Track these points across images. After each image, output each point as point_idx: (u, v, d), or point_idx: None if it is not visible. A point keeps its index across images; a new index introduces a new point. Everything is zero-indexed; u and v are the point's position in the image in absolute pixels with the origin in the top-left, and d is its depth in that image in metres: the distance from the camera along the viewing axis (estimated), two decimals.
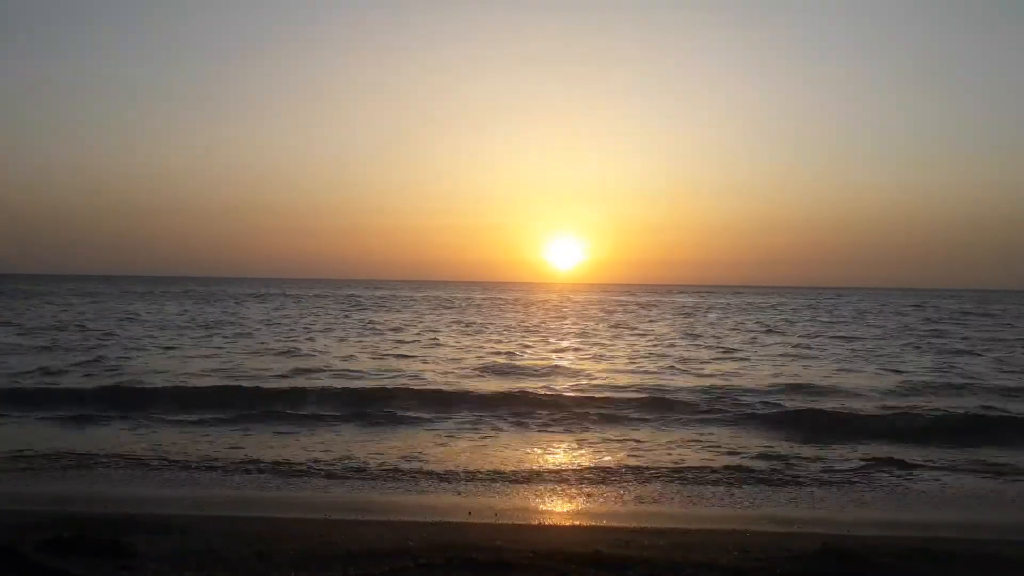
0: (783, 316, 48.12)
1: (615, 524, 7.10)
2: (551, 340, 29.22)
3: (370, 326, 35.00)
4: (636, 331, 34.40)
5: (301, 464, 9.92)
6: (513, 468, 9.90)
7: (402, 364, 20.60)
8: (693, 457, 10.76)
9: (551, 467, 10.15)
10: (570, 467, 10.14)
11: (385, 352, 23.51)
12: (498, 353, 23.86)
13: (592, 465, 10.21)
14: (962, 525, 7.50)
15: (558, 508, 8.19)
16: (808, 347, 26.85)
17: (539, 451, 11.16)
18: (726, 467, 10.07)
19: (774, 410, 14.29)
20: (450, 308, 54.85)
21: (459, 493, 8.61)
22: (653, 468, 9.97)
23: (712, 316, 47.87)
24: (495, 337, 30.07)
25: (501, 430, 12.56)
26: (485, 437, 11.97)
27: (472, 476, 9.41)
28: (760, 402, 15.10)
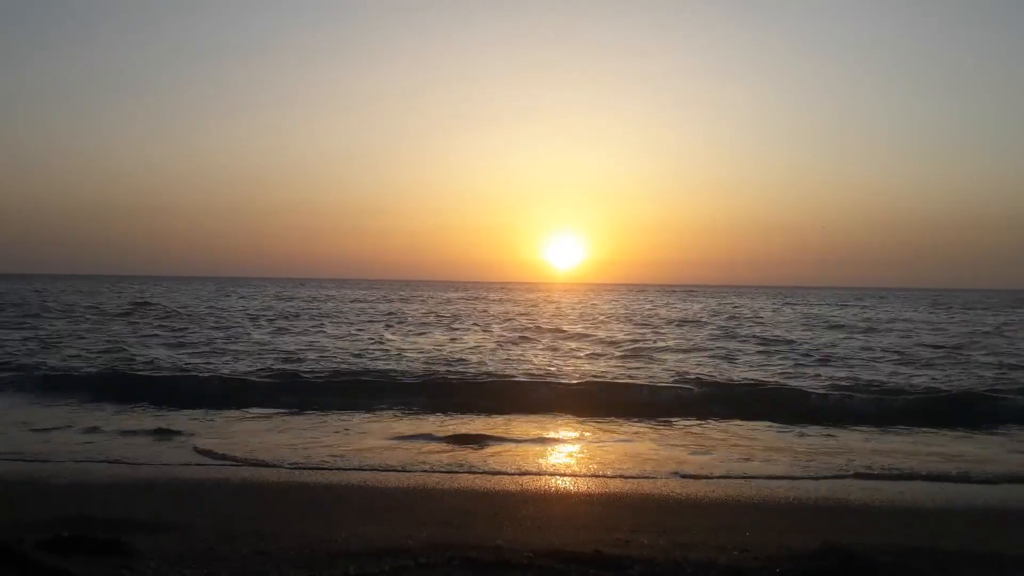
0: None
1: (615, 524, 7.09)
2: None
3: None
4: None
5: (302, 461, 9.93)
6: (515, 466, 9.91)
7: None
8: (693, 459, 10.77)
9: (553, 465, 10.15)
10: (572, 465, 10.14)
11: None
12: None
13: (593, 463, 10.22)
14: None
15: (558, 508, 8.19)
16: None
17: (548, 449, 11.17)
18: (727, 466, 10.08)
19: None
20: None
21: (461, 491, 8.62)
22: (654, 466, 9.98)
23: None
24: None
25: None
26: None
27: (474, 474, 9.42)
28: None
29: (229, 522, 6.67)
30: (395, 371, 18.68)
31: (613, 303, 66.42)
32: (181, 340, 25.86)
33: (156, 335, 27.62)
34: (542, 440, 11.88)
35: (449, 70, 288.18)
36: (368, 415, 13.78)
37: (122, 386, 16.01)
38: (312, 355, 22.03)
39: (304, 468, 9.65)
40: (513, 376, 18.01)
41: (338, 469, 9.62)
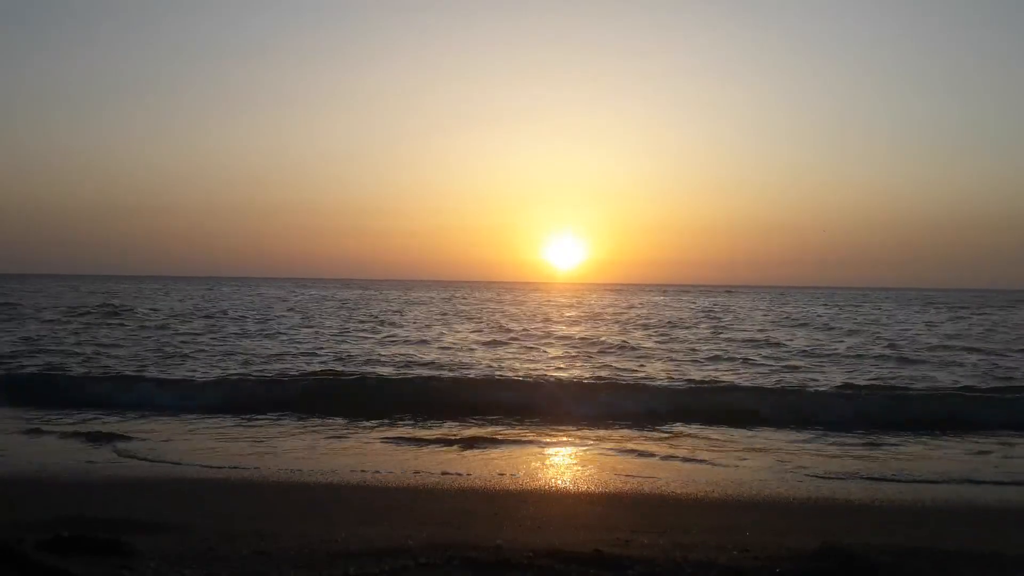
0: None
1: (615, 524, 7.09)
2: None
3: None
4: None
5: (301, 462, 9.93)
6: (516, 465, 9.91)
7: None
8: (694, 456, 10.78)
9: (553, 464, 10.16)
10: (572, 464, 10.15)
11: None
12: None
13: (594, 462, 10.22)
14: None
15: (558, 508, 8.19)
16: None
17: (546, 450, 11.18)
18: (726, 464, 10.09)
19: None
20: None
21: (461, 491, 8.61)
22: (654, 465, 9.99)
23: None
24: None
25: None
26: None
27: (474, 474, 9.42)
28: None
29: (229, 522, 6.66)
30: (368, 373, 18.40)
31: (597, 302, 66.73)
32: (126, 341, 24.98)
33: (108, 335, 26.66)
34: (537, 442, 11.89)
35: (449, 70, 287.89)
36: (337, 420, 13.24)
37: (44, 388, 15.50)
38: (283, 356, 21.71)
39: (300, 471, 9.66)
40: (498, 377, 17.88)
41: (338, 470, 9.63)
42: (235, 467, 9.63)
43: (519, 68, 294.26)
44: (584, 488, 8.97)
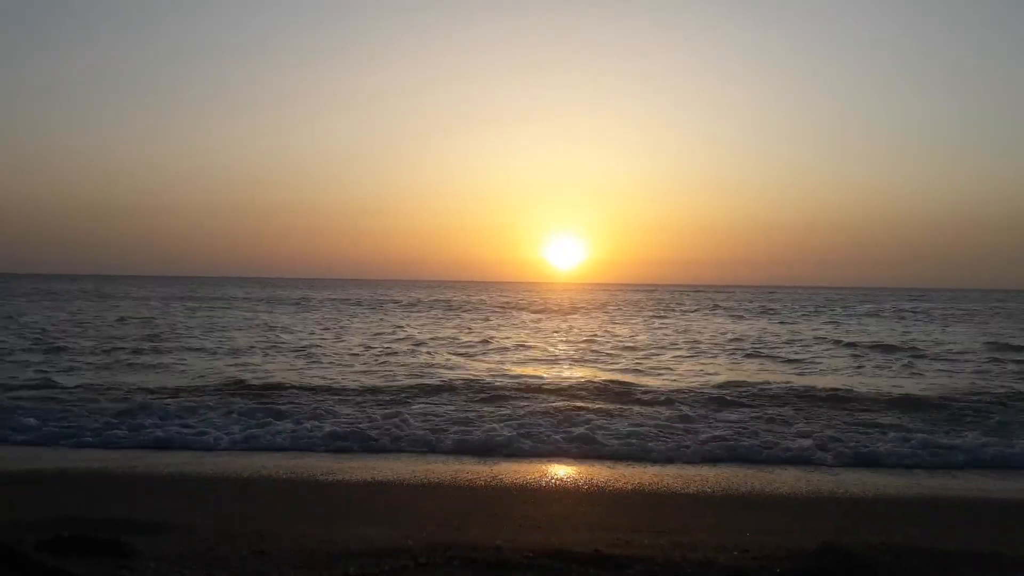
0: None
1: (615, 524, 7.10)
2: None
3: None
4: None
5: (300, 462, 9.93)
6: (515, 464, 9.92)
7: None
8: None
9: (552, 463, 10.16)
10: (572, 462, 10.15)
11: None
12: None
13: (593, 460, 10.23)
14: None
15: (558, 508, 8.19)
16: None
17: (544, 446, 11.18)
18: (725, 463, 10.10)
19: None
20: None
21: (461, 491, 8.62)
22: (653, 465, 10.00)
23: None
24: None
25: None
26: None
27: (474, 474, 9.42)
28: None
29: (229, 522, 6.66)
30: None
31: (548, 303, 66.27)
32: None
33: None
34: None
35: (449, 70, 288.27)
36: None
37: None
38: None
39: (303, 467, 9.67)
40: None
41: (339, 469, 9.64)
42: (235, 467, 9.64)
43: (519, 68, 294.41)
44: (584, 488, 8.98)
